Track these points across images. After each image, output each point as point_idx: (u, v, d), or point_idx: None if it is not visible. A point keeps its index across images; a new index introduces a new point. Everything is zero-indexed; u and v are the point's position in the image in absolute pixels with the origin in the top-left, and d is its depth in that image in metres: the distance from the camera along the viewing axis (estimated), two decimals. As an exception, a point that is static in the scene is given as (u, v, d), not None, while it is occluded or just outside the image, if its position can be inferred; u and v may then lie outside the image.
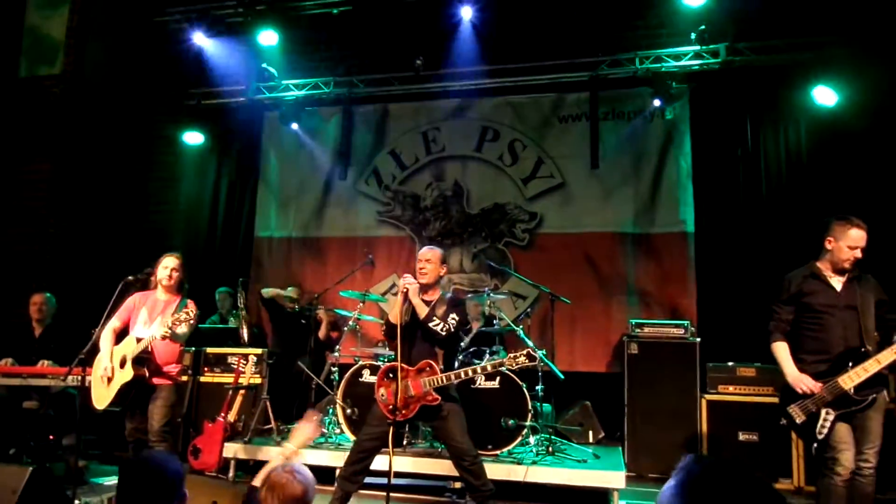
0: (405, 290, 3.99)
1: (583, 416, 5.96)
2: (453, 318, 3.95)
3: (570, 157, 7.09)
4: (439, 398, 3.88)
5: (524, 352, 3.81)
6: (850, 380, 3.46)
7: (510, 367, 3.90)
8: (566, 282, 6.52)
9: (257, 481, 2.63)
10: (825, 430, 3.47)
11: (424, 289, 4.09)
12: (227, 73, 7.64)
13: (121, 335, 4.45)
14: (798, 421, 3.60)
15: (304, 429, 2.91)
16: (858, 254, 3.62)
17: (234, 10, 7.24)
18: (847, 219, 3.63)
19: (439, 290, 4.15)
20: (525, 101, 7.30)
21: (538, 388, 5.30)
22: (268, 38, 6.95)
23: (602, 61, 6.80)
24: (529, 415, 5.07)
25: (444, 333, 3.91)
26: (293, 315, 6.70)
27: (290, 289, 6.89)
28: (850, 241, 3.61)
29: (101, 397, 4.33)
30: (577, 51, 6.87)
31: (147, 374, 4.26)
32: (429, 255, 4.12)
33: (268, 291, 6.66)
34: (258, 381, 5.78)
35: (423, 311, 3.98)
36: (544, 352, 5.38)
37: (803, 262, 3.88)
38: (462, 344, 5.75)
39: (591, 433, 5.84)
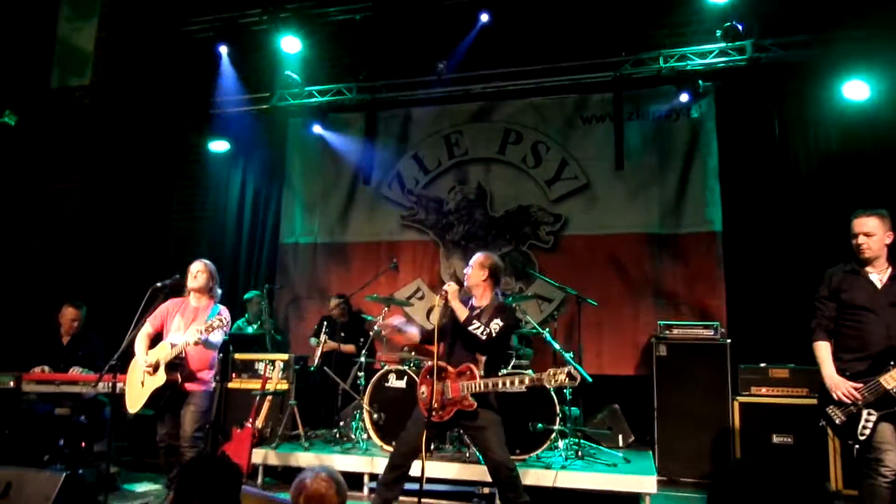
0: (444, 293, 4.03)
1: (612, 419, 5.89)
2: (497, 324, 3.88)
3: (595, 158, 7.02)
4: (475, 404, 3.83)
5: (566, 370, 3.62)
6: (892, 379, 3.37)
7: (548, 385, 3.73)
8: (592, 284, 6.46)
9: None
10: (867, 432, 3.38)
11: (472, 293, 4.13)
12: (252, 81, 7.72)
13: (154, 341, 4.50)
14: (837, 422, 3.51)
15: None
16: (861, 240, 3.58)
17: (259, 17, 7.31)
18: (854, 212, 3.66)
19: (490, 296, 4.09)
20: (548, 103, 7.26)
21: (566, 391, 5.23)
22: (291, 45, 7.00)
23: (626, 61, 6.74)
24: (557, 419, 5.02)
25: (483, 337, 3.86)
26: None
27: (332, 300, 6.79)
28: (852, 230, 3.63)
29: (135, 400, 4.39)
30: (600, 51, 6.81)
31: (180, 380, 4.31)
32: (472, 260, 4.18)
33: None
34: (285, 386, 5.80)
35: (462, 314, 3.97)
36: (571, 354, 5.35)
37: (835, 259, 3.81)
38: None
39: (620, 437, 5.77)
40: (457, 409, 3.86)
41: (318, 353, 6.17)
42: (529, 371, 5.21)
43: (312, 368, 6.05)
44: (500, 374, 4.24)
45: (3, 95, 7.07)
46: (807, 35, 6.22)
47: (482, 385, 3.82)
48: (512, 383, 3.84)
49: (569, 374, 3.62)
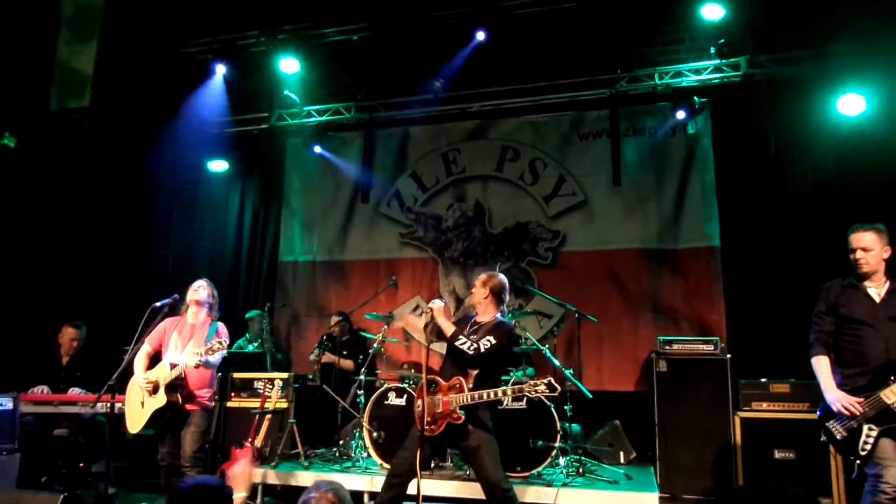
0: (429, 311, 4.11)
1: (613, 435, 5.87)
2: (487, 340, 3.90)
3: (592, 175, 7.06)
4: (463, 417, 3.84)
5: (546, 380, 3.71)
6: (892, 394, 3.36)
7: (529, 395, 3.80)
8: (591, 300, 6.45)
9: None
10: (868, 447, 3.37)
11: (475, 310, 4.20)
12: (251, 101, 7.77)
13: (153, 359, 4.50)
14: (838, 437, 3.50)
15: (240, 473, 2.88)
16: (859, 255, 3.60)
17: (257, 39, 7.38)
18: (851, 227, 3.68)
19: (492, 314, 4.12)
20: (545, 120, 7.30)
21: (566, 407, 5.23)
22: (289, 65, 7.07)
23: (621, 78, 6.80)
24: (558, 435, 5.01)
25: (471, 353, 3.89)
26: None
27: (332, 317, 6.83)
28: (850, 245, 3.65)
29: (135, 420, 4.38)
30: (595, 68, 6.88)
31: (180, 401, 4.30)
32: (477, 279, 4.23)
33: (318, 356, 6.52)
34: (284, 405, 5.78)
35: (448, 330, 4.03)
36: (571, 371, 5.33)
37: (834, 274, 3.82)
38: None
39: (621, 453, 5.74)
40: (447, 421, 3.88)
41: (316, 364, 6.21)
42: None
43: (311, 377, 6.03)
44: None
45: (2, 117, 7.12)
46: (800, 51, 6.28)
47: (469, 397, 3.84)
48: (496, 395, 3.87)
49: (548, 385, 3.67)
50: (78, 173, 7.36)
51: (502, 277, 4.21)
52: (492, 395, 3.87)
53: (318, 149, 7.62)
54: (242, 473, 2.86)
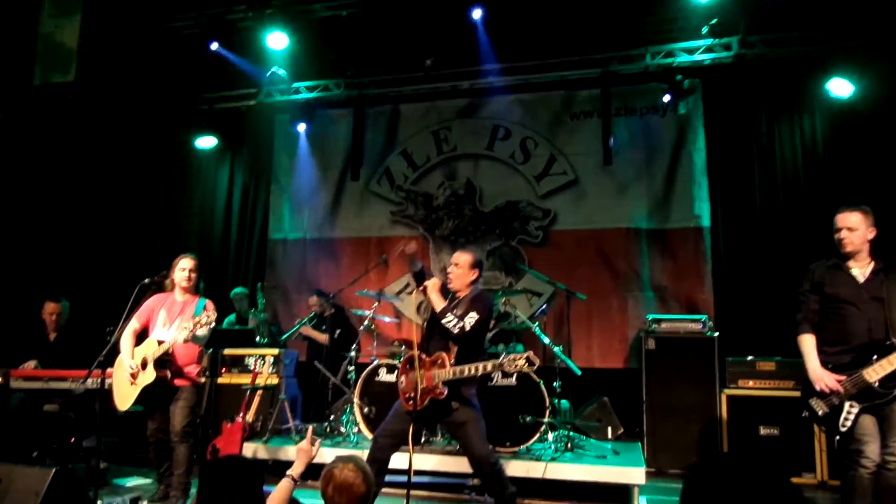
0: (423, 287, 4.10)
1: (601, 412, 5.95)
2: (471, 317, 3.92)
3: (583, 154, 7.06)
4: (446, 392, 3.87)
5: (525, 355, 3.69)
6: (874, 372, 3.42)
7: (508, 370, 3.77)
8: (581, 278, 6.50)
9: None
10: (849, 423, 3.44)
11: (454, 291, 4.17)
12: (239, 77, 7.67)
13: (140, 337, 4.50)
14: (820, 413, 3.57)
15: (303, 452, 2.94)
16: (843, 234, 3.63)
17: (245, 14, 7.26)
18: (839, 207, 3.71)
19: (472, 290, 4.13)
20: (536, 99, 7.28)
21: (556, 384, 5.28)
22: (278, 41, 6.97)
23: (613, 57, 6.78)
24: (547, 411, 5.06)
25: (456, 331, 3.91)
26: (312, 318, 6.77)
27: (312, 298, 6.92)
28: (835, 225, 3.68)
29: (124, 398, 4.39)
30: (587, 47, 6.84)
31: (169, 376, 4.31)
32: (457, 259, 4.19)
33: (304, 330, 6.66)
34: (275, 381, 5.80)
35: (438, 306, 4.05)
36: (560, 348, 5.38)
37: (820, 254, 3.86)
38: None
39: (609, 429, 5.82)
40: (430, 397, 3.90)
41: (297, 330, 6.43)
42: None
43: (283, 337, 6.31)
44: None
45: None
46: (793, 32, 6.27)
47: (451, 373, 3.87)
48: (477, 370, 3.86)
49: (527, 360, 3.67)
50: (63, 148, 7.26)
51: (475, 253, 4.24)
52: (473, 371, 3.86)
53: (302, 128, 7.59)
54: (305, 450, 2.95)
